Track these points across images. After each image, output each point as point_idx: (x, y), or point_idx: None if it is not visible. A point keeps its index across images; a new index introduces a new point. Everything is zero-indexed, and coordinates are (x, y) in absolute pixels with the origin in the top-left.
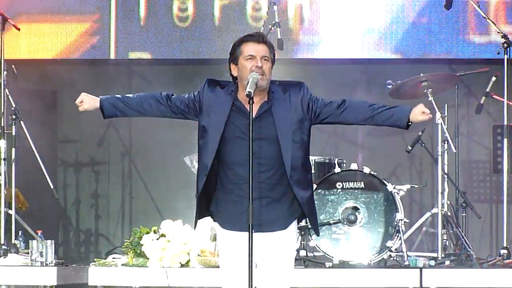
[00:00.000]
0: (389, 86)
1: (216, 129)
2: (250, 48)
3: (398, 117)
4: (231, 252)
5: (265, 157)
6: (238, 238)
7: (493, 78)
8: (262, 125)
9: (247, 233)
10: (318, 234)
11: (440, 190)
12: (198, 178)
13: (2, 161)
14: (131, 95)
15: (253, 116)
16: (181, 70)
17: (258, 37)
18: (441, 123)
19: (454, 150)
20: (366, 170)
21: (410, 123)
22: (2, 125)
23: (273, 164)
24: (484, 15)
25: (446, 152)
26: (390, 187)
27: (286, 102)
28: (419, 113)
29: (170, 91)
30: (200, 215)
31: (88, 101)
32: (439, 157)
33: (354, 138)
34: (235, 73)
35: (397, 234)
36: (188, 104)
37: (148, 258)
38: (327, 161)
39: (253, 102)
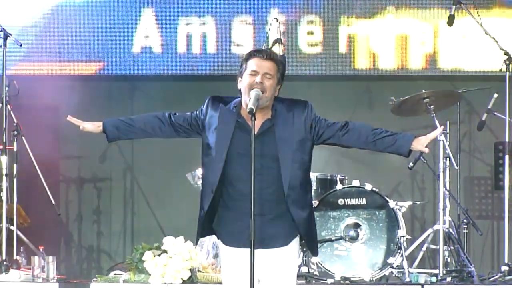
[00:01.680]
0: (391, 103)
1: (221, 147)
2: (254, 64)
3: (400, 144)
4: (234, 269)
5: (267, 174)
6: (240, 254)
7: (495, 95)
8: (264, 142)
9: (249, 249)
10: (315, 255)
11: (441, 206)
12: (204, 196)
13: (4, 177)
14: (133, 117)
15: (255, 132)
16: (182, 86)
17: (264, 54)
18: (443, 140)
19: (456, 167)
20: (368, 186)
21: (411, 152)
22: (4, 141)
23: (274, 181)
24: (487, 32)
25: (448, 168)
26: (392, 203)
27: (289, 121)
28: (422, 144)
29: (173, 110)
30: (203, 232)
31: (90, 124)
32: (441, 174)
33: (356, 154)
34: (239, 86)
35: (399, 251)
36: (191, 122)
37: (150, 275)
38: (329, 177)
39: (255, 119)
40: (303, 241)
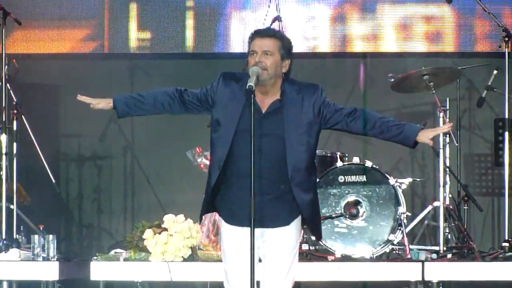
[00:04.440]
0: (391, 80)
1: (230, 124)
2: (254, 44)
3: (406, 135)
4: (234, 247)
5: (269, 154)
6: (240, 232)
7: (495, 72)
8: (271, 122)
9: (249, 228)
10: (319, 239)
11: (442, 183)
12: (211, 172)
13: (4, 156)
14: (143, 93)
15: (263, 112)
16: (182, 65)
17: (263, 32)
18: (443, 117)
19: (456, 144)
20: (368, 163)
21: (417, 143)
22: (4, 119)
23: (276, 162)
24: (485, 9)
25: (448, 145)
26: (392, 180)
27: (298, 104)
28: (427, 137)
29: (183, 86)
30: (208, 209)
31: (100, 101)
32: (441, 151)
33: None
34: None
35: (399, 228)
36: (201, 98)
37: (150, 253)
38: (329, 154)
39: (254, 96)
40: (306, 225)
